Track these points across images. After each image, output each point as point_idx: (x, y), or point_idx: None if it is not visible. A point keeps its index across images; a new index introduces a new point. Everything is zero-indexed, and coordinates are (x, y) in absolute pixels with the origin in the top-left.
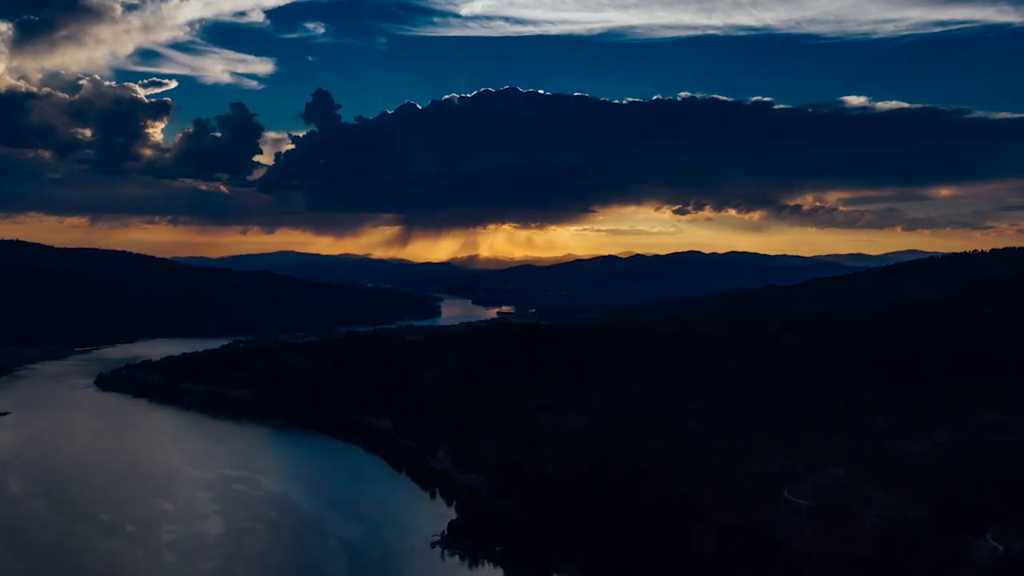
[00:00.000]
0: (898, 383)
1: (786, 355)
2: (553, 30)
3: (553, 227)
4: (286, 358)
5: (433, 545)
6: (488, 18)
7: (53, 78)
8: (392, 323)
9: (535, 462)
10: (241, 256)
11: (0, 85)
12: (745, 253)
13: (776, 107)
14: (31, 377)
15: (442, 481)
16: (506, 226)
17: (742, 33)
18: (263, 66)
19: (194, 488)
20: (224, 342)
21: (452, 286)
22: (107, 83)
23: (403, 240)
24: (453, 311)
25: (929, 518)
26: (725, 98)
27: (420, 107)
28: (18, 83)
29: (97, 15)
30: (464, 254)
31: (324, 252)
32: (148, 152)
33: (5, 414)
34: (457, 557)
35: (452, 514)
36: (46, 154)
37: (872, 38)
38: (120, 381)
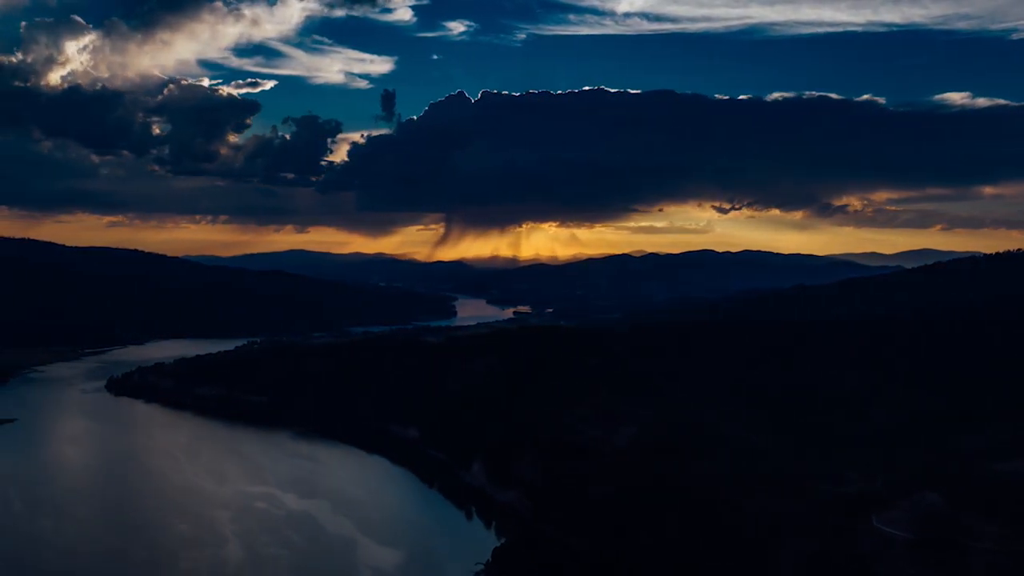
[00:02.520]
0: (976, 394)
1: (843, 361)
2: (692, 27)
3: (596, 226)
4: (303, 361)
5: (477, 575)
6: (627, 15)
7: (143, 77)
8: (408, 323)
9: (582, 480)
10: (253, 255)
11: (79, 82)
12: (759, 252)
13: (879, 105)
14: (40, 380)
15: (478, 499)
16: (547, 224)
17: (882, 30)
18: (382, 65)
19: (212, 507)
20: (237, 343)
21: (464, 285)
22: (196, 82)
23: (443, 238)
24: (468, 311)
25: None
26: (836, 96)
27: (472, 100)
28: (102, 79)
29: (197, 11)
30: (508, 253)
31: (339, 251)
32: (225, 152)
33: (11, 421)
34: None
35: (492, 537)
36: (125, 154)
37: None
38: (131, 385)
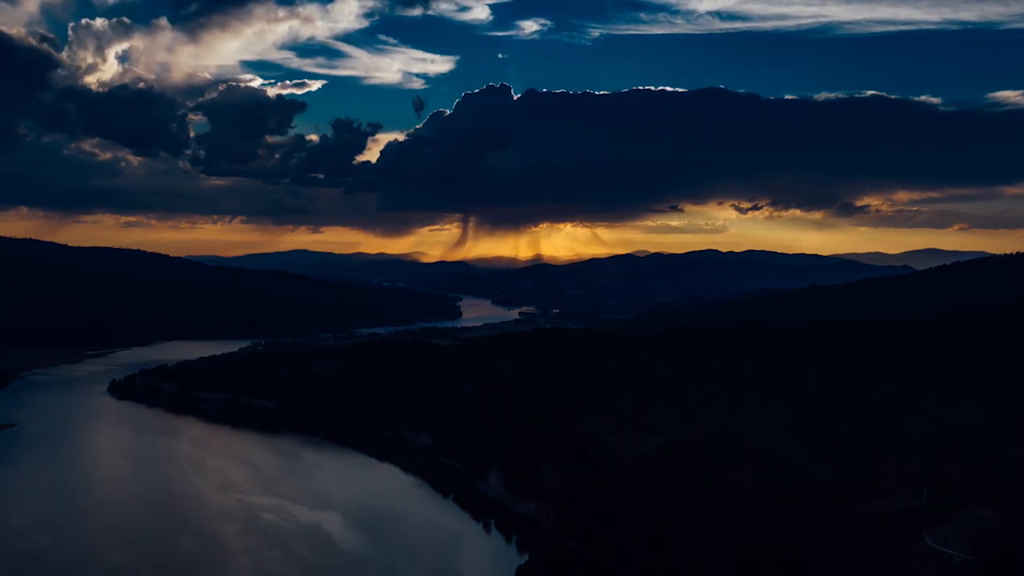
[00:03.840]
0: (1017, 401)
1: (870, 365)
2: (763, 26)
3: (617, 225)
4: (309, 364)
5: None
6: (700, 14)
7: (188, 77)
8: (413, 324)
9: (608, 491)
10: (255, 255)
11: (122, 83)
12: (762, 252)
13: (929, 104)
14: (41, 383)
15: (497, 511)
16: (564, 224)
17: (955, 27)
18: (442, 65)
19: (218, 519)
20: (241, 344)
21: (468, 286)
22: (243, 83)
23: (461, 239)
24: (473, 312)
25: None
26: (890, 95)
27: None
28: (146, 79)
29: (248, 11)
30: (527, 252)
31: (342, 252)
32: (261, 153)
33: (11, 426)
34: None
35: (513, 552)
36: (162, 154)
37: None
38: (134, 389)
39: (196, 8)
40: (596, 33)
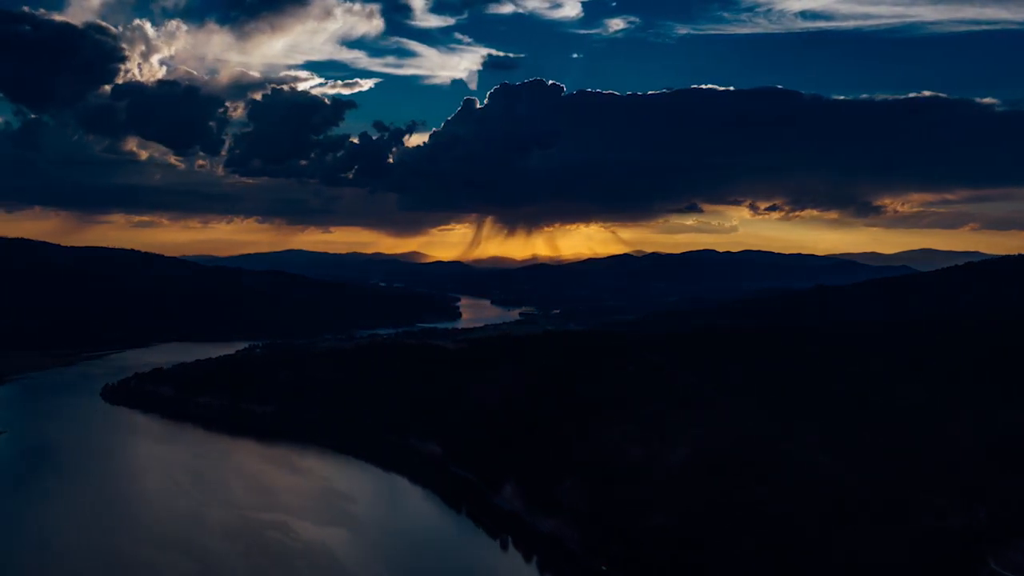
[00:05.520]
0: None
1: (896, 368)
2: (845, 25)
3: (639, 225)
4: (310, 367)
5: None
6: (783, 13)
7: (234, 77)
8: (412, 325)
9: (636, 507)
10: (250, 255)
11: (168, 80)
12: (759, 251)
13: (983, 105)
14: (32, 388)
15: (515, 527)
16: (577, 225)
17: None
18: (510, 64)
19: (219, 537)
20: (238, 346)
21: (465, 285)
22: (290, 83)
23: (476, 239)
24: (473, 312)
25: None
26: (951, 96)
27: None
28: (191, 78)
29: (305, 9)
30: (546, 252)
31: (335, 251)
32: (301, 153)
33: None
34: None
35: (535, 572)
36: (201, 154)
37: None
38: (128, 393)
39: (251, 7)
40: (683, 31)
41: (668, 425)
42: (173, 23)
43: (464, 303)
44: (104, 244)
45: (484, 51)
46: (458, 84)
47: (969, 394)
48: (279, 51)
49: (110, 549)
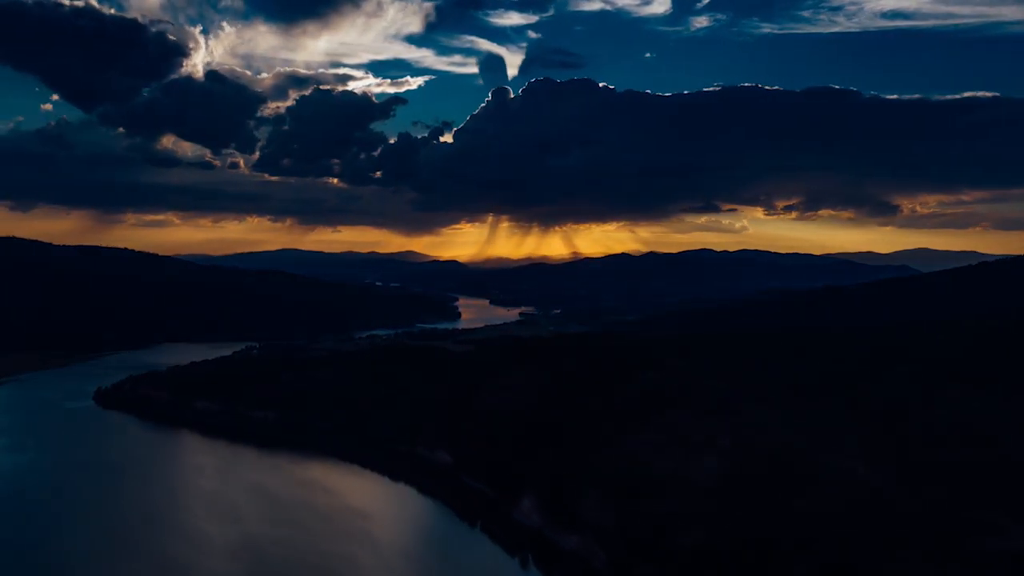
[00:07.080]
0: None
1: (942, 375)
2: (924, 24)
3: (661, 224)
4: (312, 371)
5: None
6: (862, 11)
7: (279, 76)
8: (412, 325)
9: (662, 522)
10: (244, 254)
11: (210, 78)
12: (757, 251)
13: None
14: (22, 391)
15: (535, 543)
16: (590, 225)
17: None
18: (575, 63)
19: (222, 557)
20: (234, 346)
21: (462, 284)
22: (330, 84)
23: (489, 237)
24: (472, 312)
25: None
26: (1013, 97)
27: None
28: (235, 77)
29: (358, 6)
30: (563, 251)
31: (330, 250)
32: (332, 152)
33: None
34: None
35: None
36: (233, 152)
37: None
38: (123, 397)
39: (306, 6)
40: (765, 30)
41: (695, 435)
42: (222, 21)
43: (462, 303)
44: (111, 244)
45: (550, 49)
46: (515, 82)
47: (1016, 404)
48: (337, 48)
49: (105, 569)
